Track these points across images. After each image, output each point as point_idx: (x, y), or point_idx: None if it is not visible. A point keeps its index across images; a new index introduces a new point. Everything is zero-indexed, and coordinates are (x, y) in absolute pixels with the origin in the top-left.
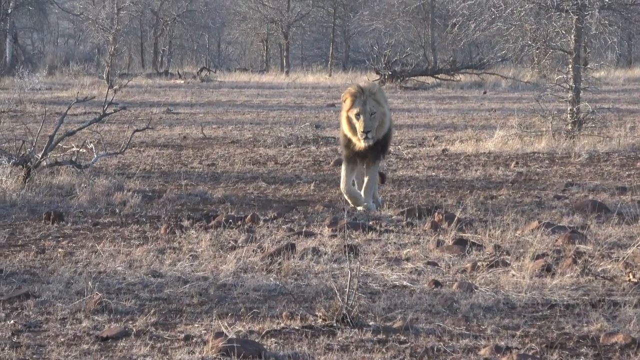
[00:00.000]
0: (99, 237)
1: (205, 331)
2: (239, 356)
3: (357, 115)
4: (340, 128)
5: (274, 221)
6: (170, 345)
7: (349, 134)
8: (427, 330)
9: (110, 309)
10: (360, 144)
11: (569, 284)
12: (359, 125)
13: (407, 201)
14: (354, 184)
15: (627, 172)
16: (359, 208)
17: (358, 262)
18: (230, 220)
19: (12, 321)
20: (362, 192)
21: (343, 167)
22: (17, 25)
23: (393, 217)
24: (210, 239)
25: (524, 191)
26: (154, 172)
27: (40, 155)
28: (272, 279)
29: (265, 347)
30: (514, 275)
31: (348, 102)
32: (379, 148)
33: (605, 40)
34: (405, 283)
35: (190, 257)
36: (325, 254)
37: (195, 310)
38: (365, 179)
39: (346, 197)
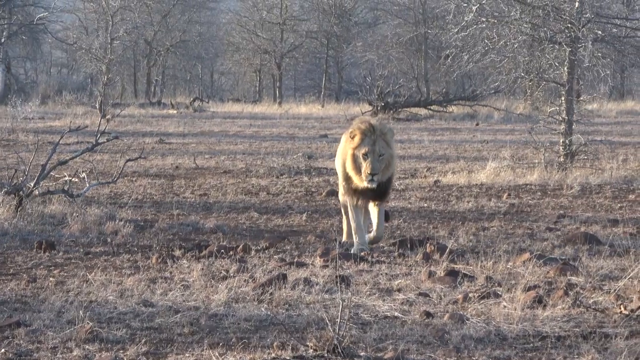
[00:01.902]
0: (91, 266)
1: None
2: None
3: (365, 155)
4: (338, 160)
5: (266, 251)
6: None
7: (352, 173)
8: None
9: (101, 338)
10: (362, 184)
11: (560, 316)
12: (366, 167)
13: (399, 232)
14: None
15: (619, 205)
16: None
17: (349, 293)
18: (222, 250)
19: (2, 350)
20: (371, 236)
21: (346, 200)
22: (10, 55)
23: (385, 248)
24: (202, 269)
25: (515, 223)
26: (146, 201)
27: (32, 184)
28: (263, 309)
29: None
30: (505, 307)
31: (357, 140)
32: (380, 191)
33: (598, 73)
34: (396, 314)
35: (182, 287)
36: (316, 284)
37: (187, 340)
38: (375, 224)
39: (353, 232)
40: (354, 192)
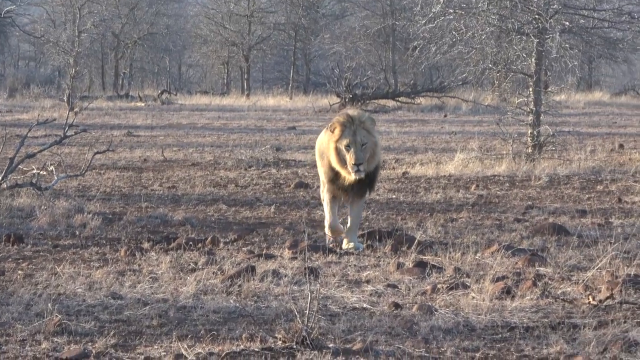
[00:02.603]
0: (59, 259)
1: (164, 353)
2: None
3: (348, 147)
4: (321, 157)
5: (234, 243)
6: None
7: (337, 167)
8: (386, 352)
9: (69, 331)
10: (350, 177)
11: (528, 307)
12: (350, 158)
13: (367, 224)
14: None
15: (587, 195)
16: (344, 247)
17: (318, 285)
18: (191, 243)
19: None
20: (347, 230)
21: (326, 201)
22: None
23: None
24: (171, 261)
25: (484, 214)
26: (114, 194)
27: (0, 178)
28: (232, 301)
29: None
30: (473, 298)
31: (337, 132)
32: (367, 181)
33: (566, 64)
34: (365, 305)
35: (150, 279)
36: (285, 276)
37: (155, 332)
38: (351, 216)
39: (329, 234)
40: (341, 187)
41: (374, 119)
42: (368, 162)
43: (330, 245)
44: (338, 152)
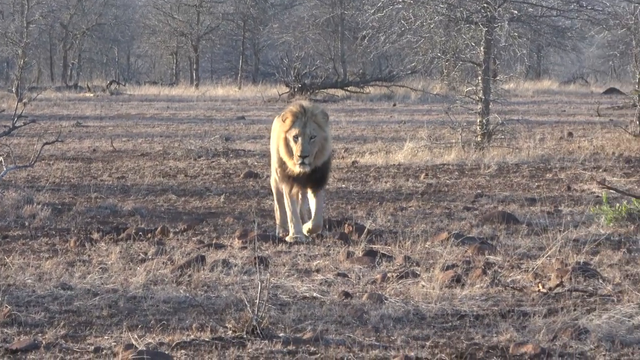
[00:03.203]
0: (8, 250)
1: (115, 343)
2: None
3: (296, 138)
4: (272, 145)
5: (184, 233)
6: (79, 357)
7: (285, 157)
8: (337, 341)
9: (19, 322)
10: (295, 169)
11: (478, 295)
12: (296, 149)
13: None
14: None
15: (536, 183)
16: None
17: (268, 274)
18: (140, 233)
19: None
20: (309, 226)
21: (285, 197)
22: None
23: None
24: (120, 252)
25: (433, 202)
26: (63, 185)
27: None
28: (182, 291)
29: (175, 358)
30: (423, 286)
31: (288, 122)
32: (316, 177)
33: (515, 52)
34: (315, 294)
35: (100, 270)
36: (235, 265)
37: (105, 323)
38: (314, 212)
39: (291, 240)
40: (290, 178)
41: (327, 113)
42: (316, 157)
43: (280, 235)
44: (287, 142)
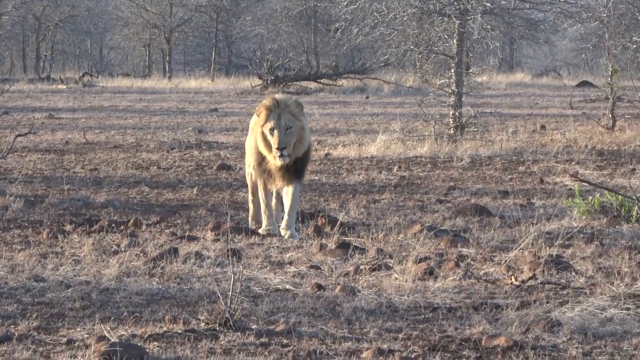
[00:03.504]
0: None
1: (87, 335)
2: None
3: (272, 130)
4: (249, 141)
5: (157, 225)
6: (52, 349)
7: (264, 151)
8: (309, 334)
9: None
10: (275, 162)
11: (451, 287)
12: (274, 142)
13: None
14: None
15: (509, 176)
16: (284, 235)
17: (241, 266)
18: (113, 225)
19: None
20: (285, 218)
21: (260, 193)
22: None
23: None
24: (93, 244)
25: (406, 195)
26: (36, 177)
27: None
28: (154, 283)
29: (147, 350)
30: (396, 279)
31: (262, 116)
32: (296, 168)
33: (488, 45)
34: (288, 287)
35: (73, 262)
36: (208, 258)
37: (78, 315)
38: (288, 204)
39: (264, 232)
40: (268, 172)
41: (301, 103)
42: (295, 147)
43: (253, 228)
44: (264, 136)
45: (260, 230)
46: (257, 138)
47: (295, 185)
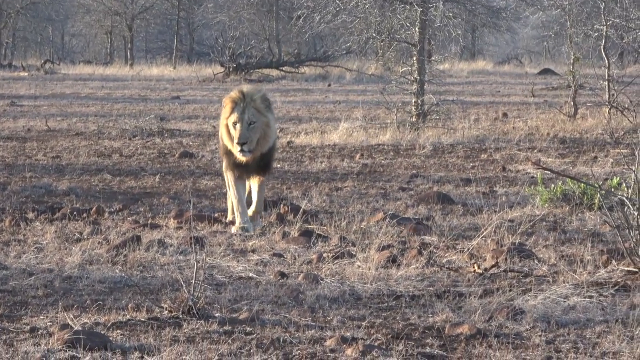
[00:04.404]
0: None
1: (50, 323)
2: (84, 348)
3: (235, 124)
4: (219, 133)
5: (119, 213)
6: (15, 337)
7: (228, 144)
8: (273, 322)
9: None
10: (238, 156)
11: (414, 275)
12: (235, 136)
13: None
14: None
15: (471, 164)
16: (233, 230)
17: (204, 254)
18: (75, 213)
19: None
20: (250, 211)
21: (231, 185)
22: None
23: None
24: (56, 231)
25: (369, 183)
26: None
27: None
28: (117, 271)
29: (111, 338)
30: (359, 267)
31: (227, 109)
32: (261, 164)
33: (450, 33)
34: (251, 274)
35: (35, 250)
36: (170, 245)
37: (41, 303)
38: (254, 198)
39: (237, 231)
40: (235, 165)
41: (269, 98)
42: (259, 143)
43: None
44: (228, 129)
45: (233, 229)
46: (222, 130)
47: (263, 180)
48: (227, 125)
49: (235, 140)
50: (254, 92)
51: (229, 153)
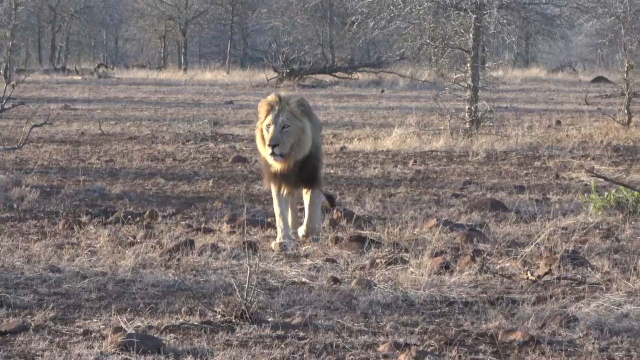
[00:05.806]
0: None
1: (104, 326)
2: (138, 351)
3: (268, 127)
4: (256, 143)
5: (173, 217)
6: (68, 339)
7: (262, 149)
8: (325, 327)
9: (8, 304)
10: (269, 162)
11: (467, 282)
12: (266, 138)
13: None
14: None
15: (524, 171)
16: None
17: (257, 259)
18: (129, 216)
19: None
20: (302, 231)
21: (274, 198)
22: None
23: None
24: (109, 235)
25: (422, 189)
26: (52, 167)
27: None
28: (170, 274)
29: (164, 342)
30: (412, 273)
31: (263, 112)
32: (304, 174)
33: (504, 40)
34: (304, 279)
35: (89, 253)
36: (224, 250)
37: (94, 306)
38: (305, 214)
39: (277, 222)
40: (273, 176)
41: (306, 103)
42: (293, 150)
43: (269, 219)
44: (262, 134)
45: (272, 245)
46: (257, 136)
47: (313, 192)
48: (261, 130)
49: (267, 142)
50: (291, 96)
51: (266, 163)
